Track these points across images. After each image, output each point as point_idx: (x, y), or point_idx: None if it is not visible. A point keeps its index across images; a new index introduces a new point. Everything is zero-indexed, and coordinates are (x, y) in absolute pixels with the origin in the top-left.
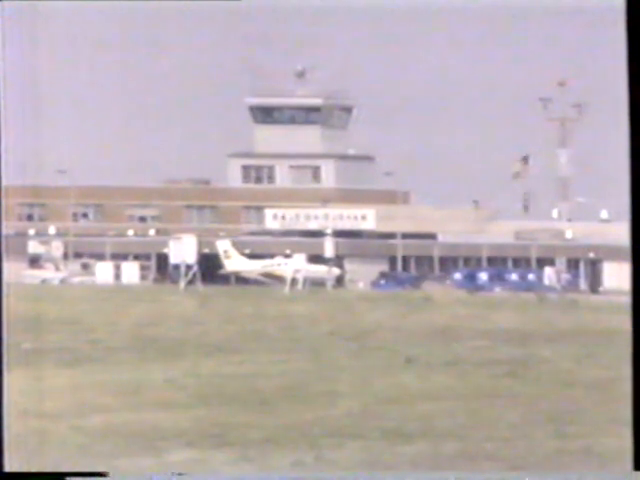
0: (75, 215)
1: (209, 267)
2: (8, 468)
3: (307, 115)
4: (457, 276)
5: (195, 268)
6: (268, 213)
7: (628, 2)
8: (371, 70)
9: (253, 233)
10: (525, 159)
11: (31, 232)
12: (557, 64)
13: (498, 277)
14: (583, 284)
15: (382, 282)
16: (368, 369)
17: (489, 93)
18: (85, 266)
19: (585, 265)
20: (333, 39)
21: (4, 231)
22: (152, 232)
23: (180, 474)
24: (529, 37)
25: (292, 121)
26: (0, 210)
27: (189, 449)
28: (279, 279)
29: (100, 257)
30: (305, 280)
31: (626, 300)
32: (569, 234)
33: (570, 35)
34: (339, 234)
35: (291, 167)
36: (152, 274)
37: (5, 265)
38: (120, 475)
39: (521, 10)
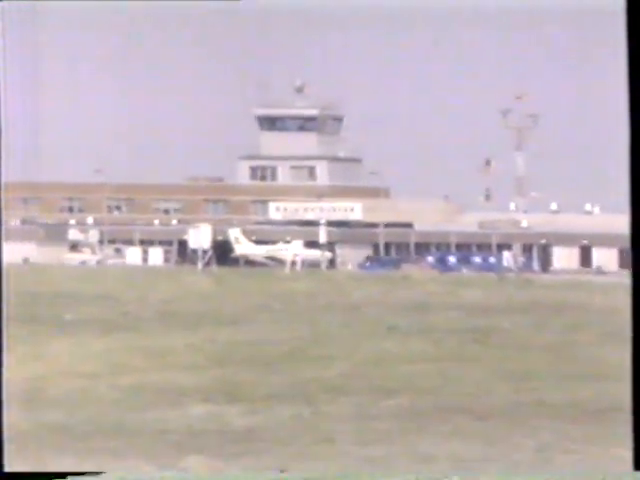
0: (109, 207)
1: (222, 251)
2: (8, 468)
3: (305, 123)
4: (430, 259)
5: (210, 252)
6: (272, 206)
7: (628, 2)
8: (359, 86)
9: (259, 223)
10: (488, 162)
11: (71, 222)
12: (516, 80)
13: (465, 260)
14: (536, 265)
15: (367, 264)
16: (356, 336)
17: (459, 105)
18: (117, 250)
19: (537, 249)
20: (328, 59)
21: (45, 221)
22: (174, 222)
23: (180, 474)
24: (492, 58)
25: (292, 128)
26: (0, 208)
27: (206, 404)
28: (281, 261)
29: (130, 243)
30: (303, 262)
31: (571, 277)
32: (524, 223)
33: (528, 55)
34: (331, 224)
35: (291, 167)
36: (174, 257)
37: (49, 249)
38: (120, 475)
39: (490, 36)
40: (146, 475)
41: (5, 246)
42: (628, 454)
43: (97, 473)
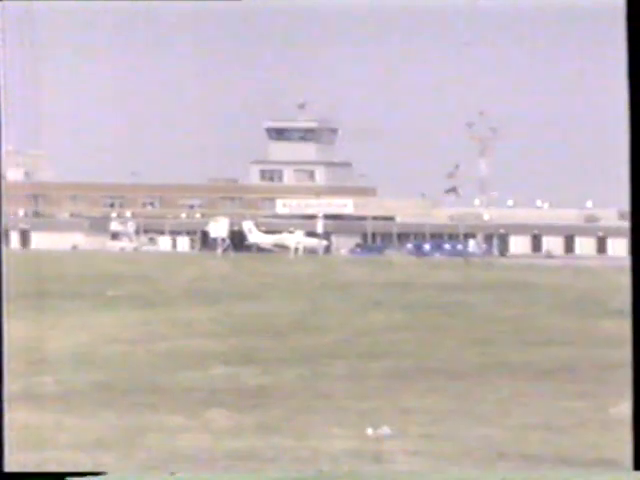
0: (144, 204)
1: (237, 240)
2: (8, 468)
3: (306, 134)
4: (409, 246)
5: (228, 241)
6: (278, 202)
7: (628, 2)
8: (350, 105)
9: (268, 216)
10: (457, 166)
11: (113, 215)
12: (480, 100)
13: (437, 247)
14: (495, 251)
15: (357, 250)
16: (349, 310)
17: (434, 120)
18: (151, 239)
19: (497, 238)
20: (324, 82)
21: (91, 215)
22: (198, 215)
23: (180, 475)
24: (461, 83)
25: (295, 138)
26: (0, 206)
27: (225, 366)
28: (286, 248)
29: (161, 233)
30: (304, 249)
31: (524, 261)
32: (486, 217)
33: (489, 81)
34: (327, 217)
35: (294, 171)
36: (198, 245)
37: (94, 238)
38: (119, 475)
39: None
40: (146, 476)
41: (57, 236)
42: (572, 406)
43: (97, 473)
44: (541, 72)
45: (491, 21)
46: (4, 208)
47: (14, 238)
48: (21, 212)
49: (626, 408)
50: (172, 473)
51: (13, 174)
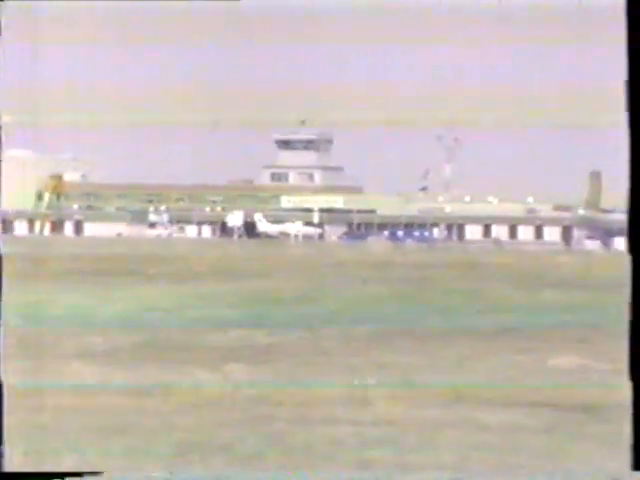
0: (176, 199)
1: (250, 228)
2: (8, 468)
3: (307, 145)
4: (386, 233)
5: (242, 229)
6: (284, 199)
7: (628, 2)
8: (343, 120)
9: (275, 210)
10: (427, 170)
11: (150, 209)
12: (447, 116)
13: (409, 234)
14: (455, 237)
15: (345, 237)
16: (341, 286)
17: (407, 131)
18: (181, 228)
19: (456, 227)
20: (320, 105)
21: (134, 208)
22: (219, 209)
23: (173, 474)
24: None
25: (299, 148)
26: None
27: (240, 329)
28: (288, 235)
29: (189, 222)
30: (302, 236)
31: (477, 245)
32: (448, 209)
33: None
34: (322, 210)
35: (297, 174)
36: (218, 232)
37: (135, 227)
38: (119, 475)
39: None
40: (146, 476)
41: (105, 225)
42: (518, 359)
43: (97, 473)
44: None
45: None
46: (63, 203)
47: (69, 227)
48: (75, 206)
49: (561, 360)
50: (171, 472)
51: (70, 176)
